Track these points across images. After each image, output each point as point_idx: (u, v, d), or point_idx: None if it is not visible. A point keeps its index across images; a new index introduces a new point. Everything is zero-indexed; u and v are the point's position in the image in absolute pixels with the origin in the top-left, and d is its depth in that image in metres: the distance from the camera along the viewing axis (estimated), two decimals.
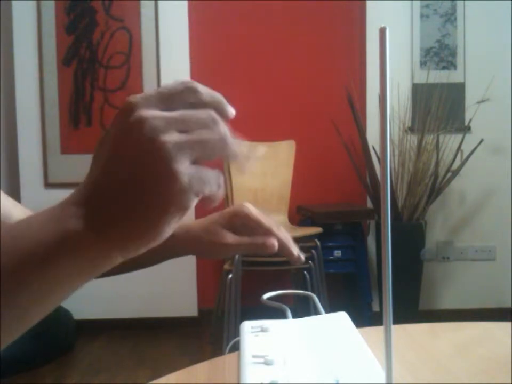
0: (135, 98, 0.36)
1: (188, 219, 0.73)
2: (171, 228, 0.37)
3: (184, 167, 0.35)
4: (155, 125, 0.35)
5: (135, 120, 0.35)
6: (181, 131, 0.36)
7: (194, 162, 0.36)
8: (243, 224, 0.69)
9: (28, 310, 0.36)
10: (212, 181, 0.37)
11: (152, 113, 0.35)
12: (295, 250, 0.69)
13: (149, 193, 0.35)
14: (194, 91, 0.38)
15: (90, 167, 0.37)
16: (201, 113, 0.37)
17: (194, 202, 0.36)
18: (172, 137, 0.35)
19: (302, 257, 0.70)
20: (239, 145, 0.39)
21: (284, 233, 0.69)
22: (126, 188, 0.35)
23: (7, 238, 0.35)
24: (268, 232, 0.68)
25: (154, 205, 0.35)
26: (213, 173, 0.37)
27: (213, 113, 0.38)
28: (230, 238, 0.67)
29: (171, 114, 0.36)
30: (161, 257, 0.71)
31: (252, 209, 0.70)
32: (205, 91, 0.39)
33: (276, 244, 0.66)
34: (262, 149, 0.41)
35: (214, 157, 0.37)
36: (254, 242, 0.66)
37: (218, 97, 0.40)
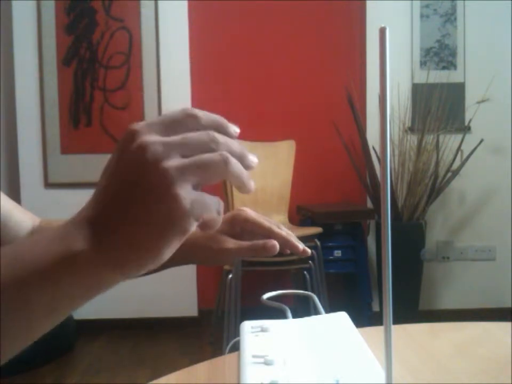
0: (137, 125, 0.37)
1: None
2: (171, 251, 0.38)
3: (186, 192, 0.36)
4: (157, 150, 0.36)
5: (138, 146, 0.36)
6: (183, 155, 0.37)
7: (196, 186, 0.37)
8: (243, 228, 0.69)
9: (31, 325, 0.37)
10: (212, 207, 0.38)
11: (154, 139, 0.36)
12: (300, 244, 0.69)
13: (151, 217, 0.36)
14: (194, 117, 0.39)
15: (95, 189, 0.38)
16: (202, 135, 0.38)
17: (194, 226, 0.37)
18: (173, 162, 0.36)
19: (308, 250, 0.70)
20: (242, 162, 0.39)
21: (285, 230, 0.69)
22: (128, 212, 0.36)
23: (12, 254, 0.36)
24: (269, 232, 0.68)
25: (155, 228, 0.36)
26: (213, 199, 0.38)
27: (212, 133, 0.38)
28: (230, 243, 0.67)
29: (172, 139, 0.37)
30: (161, 267, 0.71)
31: (250, 213, 0.70)
32: (205, 116, 0.39)
33: (276, 244, 0.66)
34: (254, 158, 0.40)
35: (215, 180, 0.38)
36: (254, 245, 0.66)
37: (219, 120, 0.40)
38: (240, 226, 0.69)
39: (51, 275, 0.35)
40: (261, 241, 0.66)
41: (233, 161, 0.38)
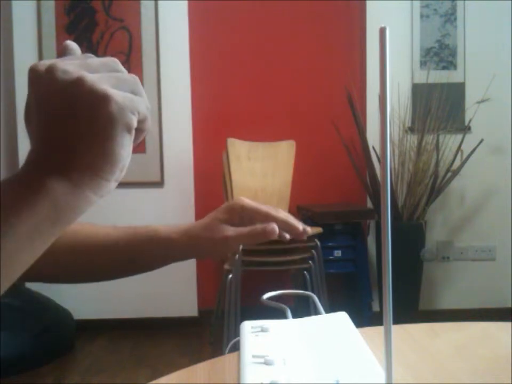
0: (39, 62, 0.39)
1: (188, 222, 0.73)
2: (125, 150, 0.39)
3: (113, 90, 0.37)
4: (66, 68, 0.37)
5: (46, 69, 0.37)
6: (92, 72, 0.38)
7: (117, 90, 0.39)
8: (241, 216, 0.69)
9: (16, 256, 0.37)
10: (141, 101, 0.39)
11: (60, 60, 0.38)
12: (299, 225, 0.69)
13: (90, 120, 0.37)
14: (92, 56, 0.41)
15: (29, 134, 0.40)
16: (105, 58, 0.40)
17: (134, 120, 0.38)
18: (87, 73, 0.37)
19: (308, 229, 0.70)
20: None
21: (283, 213, 0.69)
22: (70, 128, 0.37)
23: None
24: (267, 217, 0.68)
25: (99, 129, 0.37)
26: (139, 97, 0.40)
27: (115, 59, 0.41)
28: (229, 231, 0.67)
29: (77, 60, 0.39)
30: (163, 261, 0.71)
31: (247, 200, 0.70)
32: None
33: (275, 227, 0.66)
34: None
35: (128, 89, 0.39)
36: (253, 230, 0.66)
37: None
38: (238, 215, 0.69)
39: (28, 205, 0.37)
40: (259, 226, 0.66)
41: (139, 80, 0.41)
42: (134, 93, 0.39)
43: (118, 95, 0.37)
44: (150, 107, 0.41)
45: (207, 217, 0.70)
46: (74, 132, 0.37)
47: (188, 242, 0.69)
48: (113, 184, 0.40)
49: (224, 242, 0.67)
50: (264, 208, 0.69)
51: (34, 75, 0.38)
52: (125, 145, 0.38)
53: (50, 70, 0.37)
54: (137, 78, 0.41)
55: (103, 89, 0.37)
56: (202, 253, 0.72)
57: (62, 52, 0.41)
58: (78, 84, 0.36)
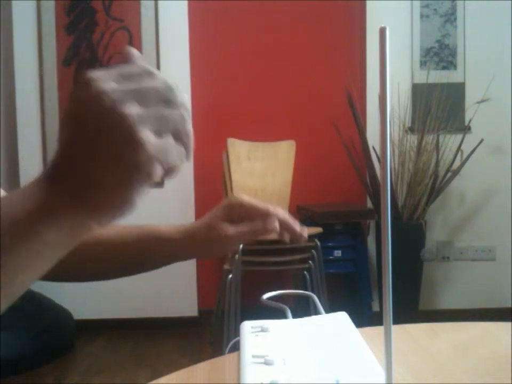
0: (93, 73, 0.37)
1: (188, 222, 0.73)
2: (139, 196, 0.38)
3: (149, 137, 0.36)
4: (115, 96, 0.36)
5: (95, 93, 0.36)
6: (140, 103, 0.37)
7: (156, 133, 0.37)
8: (239, 213, 0.69)
9: (15, 277, 0.37)
10: (175, 152, 0.38)
11: (111, 85, 0.36)
12: (297, 226, 0.69)
13: (118, 163, 0.36)
14: (151, 75, 0.39)
15: (59, 142, 0.38)
16: (161, 84, 0.39)
17: (158, 171, 0.38)
18: (133, 109, 0.36)
19: (305, 233, 0.70)
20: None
21: (282, 212, 0.69)
22: (96, 160, 0.36)
23: None
24: (266, 214, 0.68)
25: (124, 173, 0.37)
26: (176, 146, 0.39)
27: (173, 86, 0.39)
28: (230, 229, 0.67)
29: (129, 87, 0.37)
30: (166, 261, 0.72)
31: (245, 197, 0.70)
32: (160, 76, 0.40)
33: (276, 224, 0.66)
34: None
35: (174, 130, 0.38)
36: (254, 227, 0.66)
37: (171, 85, 0.40)
38: (237, 212, 0.69)
39: (31, 225, 0.36)
40: (260, 223, 0.66)
41: (189, 121, 0.39)
42: (177, 133, 0.38)
43: (152, 145, 0.36)
44: (189, 155, 0.40)
45: (206, 216, 0.71)
46: (96, 165, 0.37)
47: (190, 242, 0.69)
48: (117, 219, 0.40)
49: (225, 241, 0.68)
50: (263, 205, 0.69)
51: (84, 89, 0.37)
52: (140, 192, 0.38)
53: (99, 93, 0.36)
54: (186, 115, 0.39)
55: (139, 136, 0.35)
56: (203, 252, 0.72)
57: (125, 59, 0.40)
58: (118, 119, 0.35)
